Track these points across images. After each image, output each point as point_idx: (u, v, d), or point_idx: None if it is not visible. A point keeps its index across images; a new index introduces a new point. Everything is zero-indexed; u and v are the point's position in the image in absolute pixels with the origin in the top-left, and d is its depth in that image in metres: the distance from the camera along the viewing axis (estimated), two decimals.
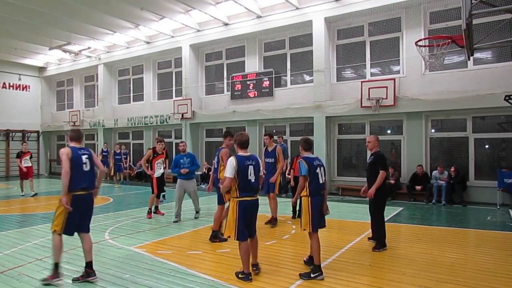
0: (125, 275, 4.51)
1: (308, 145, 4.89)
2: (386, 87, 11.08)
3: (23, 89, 21.29)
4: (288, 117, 13.13)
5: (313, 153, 4.95)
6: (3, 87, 20.44)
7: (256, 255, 4.56)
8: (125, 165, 16.53)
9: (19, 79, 20.95)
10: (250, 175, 4.28)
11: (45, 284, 4.20)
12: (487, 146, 10.77)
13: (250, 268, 4.35)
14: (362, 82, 11.59)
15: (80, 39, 16.43)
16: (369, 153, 6.56)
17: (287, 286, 4.16)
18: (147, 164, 8.49)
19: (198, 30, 14.84)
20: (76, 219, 4.32)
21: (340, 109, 11.97)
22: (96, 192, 4.61)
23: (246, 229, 4.30)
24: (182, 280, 4.37)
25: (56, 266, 4.27)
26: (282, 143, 11.88)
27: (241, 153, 4.41)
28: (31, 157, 12.70)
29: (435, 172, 10.45)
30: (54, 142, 22.39)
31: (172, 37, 15.69)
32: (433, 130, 11.36)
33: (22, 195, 11.87)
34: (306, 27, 12.72)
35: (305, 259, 4.92)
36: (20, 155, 12.25)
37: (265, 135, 7.80)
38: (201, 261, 5.13)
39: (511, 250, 5.65)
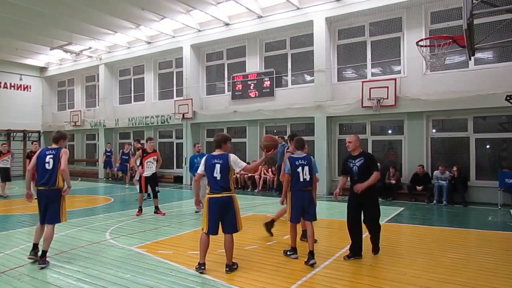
0: (126, 275, 4.51)
1: (300, 144, 5.31)
2: (387, 87, 11.07)
3: (24, 89, 21.33)
4: (289, 117, 13.13)
5: (305, 152, 5.36)
6: (4, 87, 20.49)
7: (229, 253, 4.62)
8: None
9: (20, 79, 21.00)
10: (216, 173, 4.56)
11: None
12: (488, 146, 10.75)
13: (205, 259, 4.66)
14: (363, 82, 11.58)
15: (81, 39, 16.45)
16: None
17: (287, 286, 4.16)
18: (138, 165, 8.73)
19: (199, 30, 14.85)
20: (41, 210, 5.09)
21: (341, 109, 11.96)
22: (66, 191, 5.10)
23: (217, 224, 4.57)
24: (183, 280, 4.37)
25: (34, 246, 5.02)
26: (283, 143, 11.90)
27: (216, 152, 4.76)
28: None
29: (436, 172, 10.43)
30: None
31: (173, 37, 15.70)
32: (434, 130, 11.35)
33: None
34: (307, 27, 12.72)
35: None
36: (30, 156, 11.48)
37: (277, 138, 8.50)
38: None
39: None
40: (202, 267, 4.56)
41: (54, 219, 5.03)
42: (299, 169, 5.08)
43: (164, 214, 8.53)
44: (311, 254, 4.83)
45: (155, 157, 8.69)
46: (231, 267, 4.60)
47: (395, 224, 7.58)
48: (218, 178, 4.55)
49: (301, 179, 5.07)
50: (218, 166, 4.55)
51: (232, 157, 4.62)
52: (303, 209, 5.09)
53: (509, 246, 5.92)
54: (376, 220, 5.20)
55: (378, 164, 7.56)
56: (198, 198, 5.36)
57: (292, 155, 5.27)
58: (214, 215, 4.52)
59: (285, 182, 5.20)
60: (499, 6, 6.17)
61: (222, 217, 4.55)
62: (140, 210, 8.60)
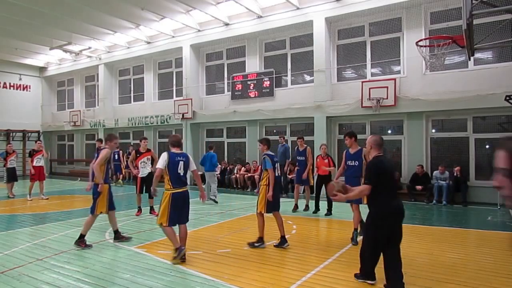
0: (125, 275, 4.51)
1: (269, 144, 6.00)
2: (387, 87, 11.07)
3: (23, 89, 21.31)
4: (288, 117, 13.13)
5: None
6: (3, 87, 20.47)
7: (185, 240, 5.18)
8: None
9: (20, 79, 20.98)
10: (180, 169, 5.03)
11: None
12: (487, 146, 10.76)
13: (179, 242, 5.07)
14: (362, 82, 11.58)
15: (81, 39, 16.44)
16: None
17: (287, 286, 4.16)
18: (135, 165, 8.74)
19: (199, 30, 14.85)
20: None
21: (341, 109, 11.96)
22: (99, 186, 5.89)
23: (177, 217, 5.02)
24: (183, 280, 4.37)
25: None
26: (284, 143, 11.90)
27: (173, 150, 5.18)
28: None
29: (436, 172, 10.44)
30: (55, 142, 22.42)
31: (173, 37, 15.70)
32: (433, 130, 11.35)
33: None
34: (306, 27, 12.72)
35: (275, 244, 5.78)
36: (32, 154, 11.52)
37: (298, 138, 9.30)
38: (201, 261, 5.12)
39: (511, 250, 5.64)
40: (183, 248, 5.00)
41: (91, 209, 5.89)
42: (276, 166, 5.80)
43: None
44: (283, 239, 5.71)
45: (149, 156, 8.64)
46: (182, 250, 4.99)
47: None
48: (182, 174, 5.06)
49: (277, 174, 5.79)
50: (181, 163, 5.06)
51: (191, 156, 5.37)
52: (278, 201, 5.86)
53: (508, 246, 5.93)
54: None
55: None
56: (154, 188, 5.38)
57: (269, 153, 5.85)
58: (175, 209, 4.96)
59: (272, 179, 5.67)
60: (498, 7, 6.18)
61: (181, 210, 5.04)
62: (140, 210, 8.63)
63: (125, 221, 7.93)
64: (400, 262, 3.93)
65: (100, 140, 12.75)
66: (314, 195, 9.02)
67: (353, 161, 6.40)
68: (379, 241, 3.93)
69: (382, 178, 3.90)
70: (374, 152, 4.13)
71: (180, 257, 4.92)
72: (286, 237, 5.85)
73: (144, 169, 8.53)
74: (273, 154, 5.92)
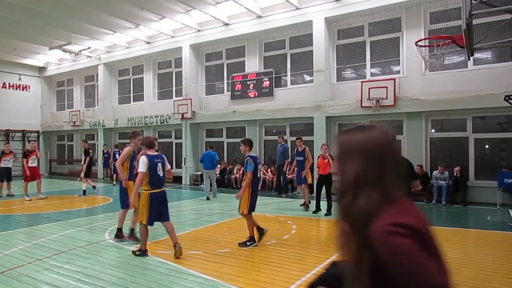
0: (125, 275, 4.51)
1: (252, 145, 6.09)
2: (386, 87, 11.08)
3: (23, 89, 21.29)
4: (288, 117, 13.13)
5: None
6: (3, 87, 20.44)
7: (175, 235, 5.36)
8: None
9: (19, 79, 20.95)
10: (159, 170, 5.25)
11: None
12: (487, 146, 10.77)
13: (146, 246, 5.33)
14: (362, 82, 11.58)
15: (80, 39, 16.43)
16: None
17: (287, 286, 4.16)
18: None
19: (198, 30, 14.84)
20: None
21: (340, 109, 11.97)
22: (123, 182, 6.17)
23: (156, 216, 5.22)
24: (182, 280, 4.37)
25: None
26: (283, 143, 11.91)
27: (149, 152, 5.31)
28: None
29: (435, 172, 10.44)
30: (54, 142, 22.40)
31: (172, 37, 15.69)
32: (433, 130, 11.36)
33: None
34: (306, 27, 12.72)
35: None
36: (27, 155, 11.47)
37: (297, 139, 9.49)
38: (201, 261, 5.12)
39: (511, 250, 5.65)
40: (146, 253, 5.26)
41: (121, 204, 6.18)
42: (259, 167, 6.09)
43: None
44: (251, 238, 5.81)
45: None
46: (179, 245, 5.21)
47: None
48: (161, 175, 5.28)
49: (259, 175, 6.10)
50: (160, 165, 5.29)
51: (165, 157, 5.54)
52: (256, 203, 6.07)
53: (508, 246, 5.94)
54: None
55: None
56: (137, 197, 5.39)
57: (252, 155, 5.96)
58: (155, 208, 5.17)
59: (249, 180, 5.81)
60: (498, 7, 6.19)
61: (161, 209, 5.24)
62: None
63: (125, 221, 7.91)
64: None
65: (85, 141, 12.96)
66: (314, 195, 9.07)
67: (300, 157, 7.95)
68: None
69: None
70: None
71: (179, 253, 5.15)
72: (286, 237, 5.86)
73: None
74: (256, 155, 6.03)
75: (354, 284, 1.12)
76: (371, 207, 1.08)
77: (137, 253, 5.27)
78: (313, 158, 9.62)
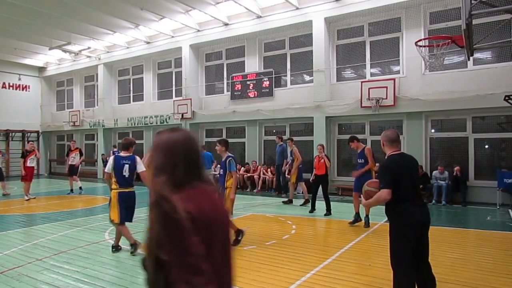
0: (125, 275, 4.51)
1: (228, 145, 6.09)
2: (386, 87, 11.08)
3: (23, 89, 21.28)
4: (288, 117, 13.13)
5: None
6: (3, 87, 20.43)
7: (120, 238, 5.67)
8: None
9: (19, 79, 20.94)
10: (125, 171, 5.44)
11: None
12: (487, 146, 10.77)
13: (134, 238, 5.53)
14: (362, 82, 11.59)
15: (80, 39, 16.42)
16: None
17: (286, 286, 4.16)
18: None
19: (198, 30, 14.84)
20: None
21: (340, 109, 11.97)
22: None
23: (127, 215, 5.43)
24: None
25: None
26: (281, 143, 11.91)
27: (121, 154, 5.60)
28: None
29: (435, 172, 10.45)
30: (54, 142, 22.40)
31: (172, 37, 15.69)
32: (433, 130, 11.36)
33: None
34: (306, 27, 12.72)
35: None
36: (25, 155, 11.39)
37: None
38: None
39: (511, 250, 5.65)
40: (137, 243, 5.40)
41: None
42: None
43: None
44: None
45: None
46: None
47: None
48: (126, 176, 5.48)
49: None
50: (126, 166, 5.46)
51: (138, 159, 5.65)
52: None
53: (508, 246, 5.93)
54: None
55: (377, 164, 7.72)
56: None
57: (232, 155, 6.05)
58: (125, 207, 5.43)
59: (236, 181, 5.98)
60: (497, 7, 6.19)
61: (127, 208, 5.46)
62: None
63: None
64: (434, 281, 3.36)
65: (74, 141, 13.10)
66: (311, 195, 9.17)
67: (360, 159, 7.52)
68: (408, 260, 3.22)
69: (399, 181, 3.24)
70: (387, 149, 3.48)
71: (135, 251, 5.40)
72: (286, 237, 5.86)
73: None
74: (233, 155, 6.13)
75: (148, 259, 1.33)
76: (163, 189, 1.35)
77: (131, 250, 5.44)
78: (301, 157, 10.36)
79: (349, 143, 7.82)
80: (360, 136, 12.25)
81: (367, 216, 7.16)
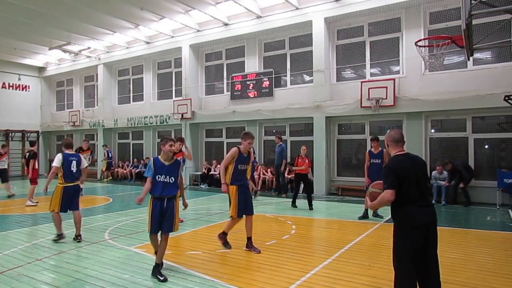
0: (124, 275, 4.51)
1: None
2: (386, 87, 11.08)
3: (22, 89, 21.28)
4: (288, 117, 13.14)
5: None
6: (2, 87, 20.44)
7: (80, 227, 6.21)
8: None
9: (19, 79, 20.94)
10: (73, 167, 6.11)
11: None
12: (486, 146, 10.77)
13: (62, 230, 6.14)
14: (362, 82, 11.59)
15: (80, 39, 16.43)
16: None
17: (286, 286, 4.16)
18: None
19: (198, 30, 14.85)
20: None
21: (340, 109, 11.97)
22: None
23: (68, 205, 6.04)
24: (182, 280, 4.37)
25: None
26: (281, 143, 11.92)
27: (66, 151, 6.19)
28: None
29: (434, 173, 10.45)
30: (54, 142, 22.38)
31: (172, 37, 15.69)
32: (433, 130, 11.36)
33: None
34: (306, 27, 12.73)
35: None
36: (34, 157, 11.07)
37: (372, 140, 8.45)
38: (201, 261, 5.12)
39: (510, 250, 5.65)
40: (63, 237, 6.04)
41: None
42: None
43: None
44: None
45: (181, 157, 7.64)
46: (80, 238, 6.09)
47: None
48: (74, 171, 6.13)
49: None
50: (74, 162, 6.14)
51: (82, 156, 6.45)
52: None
53: (507, 246, 5.94)
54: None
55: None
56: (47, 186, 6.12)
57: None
58: (67, 199, 6.00)
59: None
60: (497, 7, 6.19)
61: (72, 199, 6.07)
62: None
63: (125, 221, 7.92)
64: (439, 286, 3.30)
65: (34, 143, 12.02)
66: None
67: (376, 159, 7.95)
68: (409, 261, 3.21)
69: (403, 182, 3.19)
70: (392, 150, 3.45)
71: (60, 239, 6.00)
72: (286, 237, 5.86)
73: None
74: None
75: None
76: None
77: (55, 238, 6.04)
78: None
79: (373, 141, 8.18)
80: (360, 136, 12.38)
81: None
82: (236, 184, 5.38)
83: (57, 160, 6.08)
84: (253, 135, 5.73)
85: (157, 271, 4.40)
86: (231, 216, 5.41)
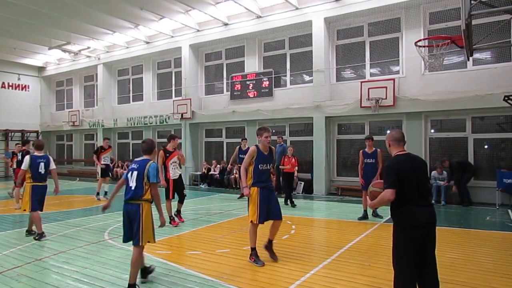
0: (124, 275, 4.50)
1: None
2: (386, 87, 11.08)
3: (22, 89, 21.27)
4: (287, 117, 13.13)
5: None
6: (2, 87, 20.42)
7: (32, 225, 6.52)
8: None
9: (19, 79, 20.93)
10: (41, 168, 6.35)
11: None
12: (486, 146, 10.77)
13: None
14: (361, 82, 11.59)
15: (80, 39, 16.42)
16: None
17: (286, 286, 4.16)
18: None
19: (198, 30, 14.84)
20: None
21: (340, 109, 11.97)
22: None
23: (38, 204, 6.32)
24: (182, 280, 4.37)
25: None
26: (282, 143, 11.91)
27: (36, 153, 6.46)
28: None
29: (434, 173, 10.45)
30: (54, 142, 22.38)
31: (172, 37, 15.68)
32: (432, 131, 11.36)
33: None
34: (305, 27, 12.73)
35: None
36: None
37: (366, 139, 8.34)
38: (201, 261, 5.12)
39: (510, 250, 5.66)
40: (44, 235, 6.27)
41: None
42: None
43: (183, 222, 7.58)
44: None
45: (178, 156, 7.54)
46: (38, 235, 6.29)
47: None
48: (42, 172, 6.38)
49: None
50: (42, 164, 6.40)
51: (51, 158, 6.66)
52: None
53: (507, 246, 5.94)
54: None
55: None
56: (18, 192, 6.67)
57: None
58: (36, 198, 6.28)
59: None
60: (497, 7, 6.20)
61: (39, 199, 6.37)
62: (173, 219, 7.39)
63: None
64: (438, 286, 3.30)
65: (29, 142, 10.03)
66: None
67: (370, 159, 7.90)
68: (408, 260, 3.21)
69: (403, 181, 3.20)
70: (393, 149, 3.46)
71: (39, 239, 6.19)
72: (285, 237, 5.84)
73: (175, 170, 7.42)
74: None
75: None
76: None
77: (36, 238, 6.22)
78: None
79: (367, 140, 8.09)
80: (359, 137, 12.36)
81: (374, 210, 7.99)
82: (258, 186, 4.93)
83: (25, 162, 6.34)
84: (269, 128, 5.28)
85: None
86: (250, 221, 4.95)
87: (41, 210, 6.39)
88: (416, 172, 3.30)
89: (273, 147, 5.24)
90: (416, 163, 3.38)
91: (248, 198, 4.99)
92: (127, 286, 3.97)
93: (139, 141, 19.09)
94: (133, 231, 4.04)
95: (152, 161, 4.24)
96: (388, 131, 3.52)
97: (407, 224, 3.23)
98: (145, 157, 4.34)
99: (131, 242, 4.12)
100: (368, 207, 7.44)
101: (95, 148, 12.81)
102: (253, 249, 4.99)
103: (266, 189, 4.99)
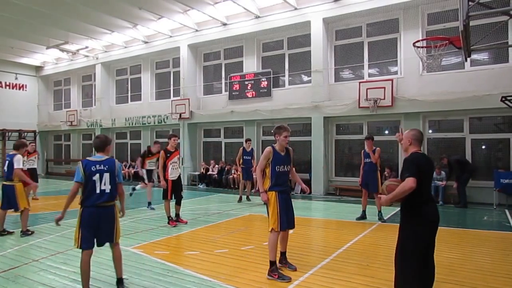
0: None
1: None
2: (384, 88, 11.11)
3: (19, 89, 21.19)
4: (286, 117, 13.13)
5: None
6: None
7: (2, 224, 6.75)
8: None
9: (16, 78, 20.86)
10: (5, 167, 6.63)
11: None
12: (483, 147, 10.82)
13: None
14: (360, 82, 11.61)
15: (78, 38, 16.38)
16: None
17: (285, 286, 4.16)
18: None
19: (197, 30, 14.83)
20: None
21: (338, 109, 11.99)
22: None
23: (6, 204, 6.60)
24: (180, 280, 4.36)
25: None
26: None
27: (12, 152, 6.63)
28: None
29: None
30: (51, 142, 22.31)
31: (170, 37, 15.67)
32: (430, 131, 11.40)
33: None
34: (304, 28, 12.74)
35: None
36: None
37: (246, 141, 9.07)
38: (199, 261, 5.11)
39: (508, 250, 5.68)
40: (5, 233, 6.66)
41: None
42: None
43: (186, 223, 7.57)
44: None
45: (178, 156, 7.47)
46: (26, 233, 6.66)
47: (392, 224, 7.59)
48: (6, 171, 6.63)
49: None
50: (6, 162, 6.63)
51: (18, 157, 6.65)
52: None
53: (505, 246, 5.96)
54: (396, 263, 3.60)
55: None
56: None
57: None
58: (3, 197, 6.55)
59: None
60: (494, 8, 6.22)
61: (9, 199, 6.58)
62: (171, 219, 7.41)
63: (122, 221, 7.87)
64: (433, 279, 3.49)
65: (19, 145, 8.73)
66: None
67: (369, 159, 7.78)
68: (418, 254, 3.33)
69: (422, 176, 3.30)
70: (412, 148, 3.53)
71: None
72: None
73: (175, 170, 7.33)
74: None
75: None
76: None
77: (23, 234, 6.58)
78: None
79: (367, 140, 7.87)
80: (358, 137, 12.39)
81: (379, 212, 7.78)
82: (276, 190, 4.50)
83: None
84: (288, 127, 4.71)
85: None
86: (271, 229, 4.48)
87: (6, 208, 6.69)
88: (430, 171, 3.55)
89: (290, 147, 4.79)
90: (430, 163, 3.60)
91: (266, 205, 4.57)
92: (117, 280, 4.13)
93: (138, 141, 19.00)
94: (106, 232, 4.01)
95: (115, 160, 4.16)
96: (407, 130, 3.43)
97: (423, 219, 3.33)
98: (102, 154, 4.04)
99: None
100: (380, 207, 7.69)
101: (142, 152, 11.06)
102: (273, 264, 4.45)
103: (285, 194, 4.60)
